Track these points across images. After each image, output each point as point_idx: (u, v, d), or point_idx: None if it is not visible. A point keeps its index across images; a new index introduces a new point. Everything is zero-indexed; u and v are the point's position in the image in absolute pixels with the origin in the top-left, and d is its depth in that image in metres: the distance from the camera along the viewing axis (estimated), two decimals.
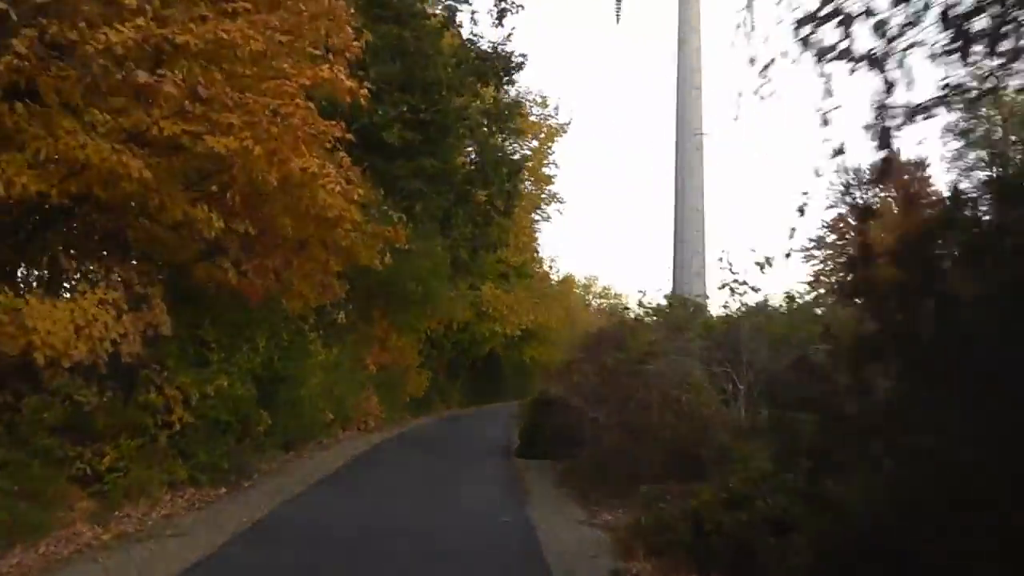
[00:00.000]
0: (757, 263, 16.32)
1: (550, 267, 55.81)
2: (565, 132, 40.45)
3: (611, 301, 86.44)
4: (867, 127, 5.43)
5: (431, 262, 23.08)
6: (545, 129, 38.89)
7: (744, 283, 16.79)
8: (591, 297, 79.95)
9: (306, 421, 18.24)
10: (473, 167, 19.89)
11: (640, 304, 20.50)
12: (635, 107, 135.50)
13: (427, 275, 23.47)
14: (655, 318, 19.99)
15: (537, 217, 43.83)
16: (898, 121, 5.27)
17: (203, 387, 12.62)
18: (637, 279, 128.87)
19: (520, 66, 25.03)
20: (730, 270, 17.03)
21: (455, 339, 37.76)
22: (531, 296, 40.86)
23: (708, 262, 26.57)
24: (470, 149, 20.21)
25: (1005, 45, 4.74)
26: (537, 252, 47.87)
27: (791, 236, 15.55)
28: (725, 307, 17.67)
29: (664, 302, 21.57)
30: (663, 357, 16.03)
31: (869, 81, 5.26)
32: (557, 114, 40.52)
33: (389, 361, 29.41)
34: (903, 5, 5.06)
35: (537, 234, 45.55)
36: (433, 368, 35.83)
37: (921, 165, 64.88)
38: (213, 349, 13.23)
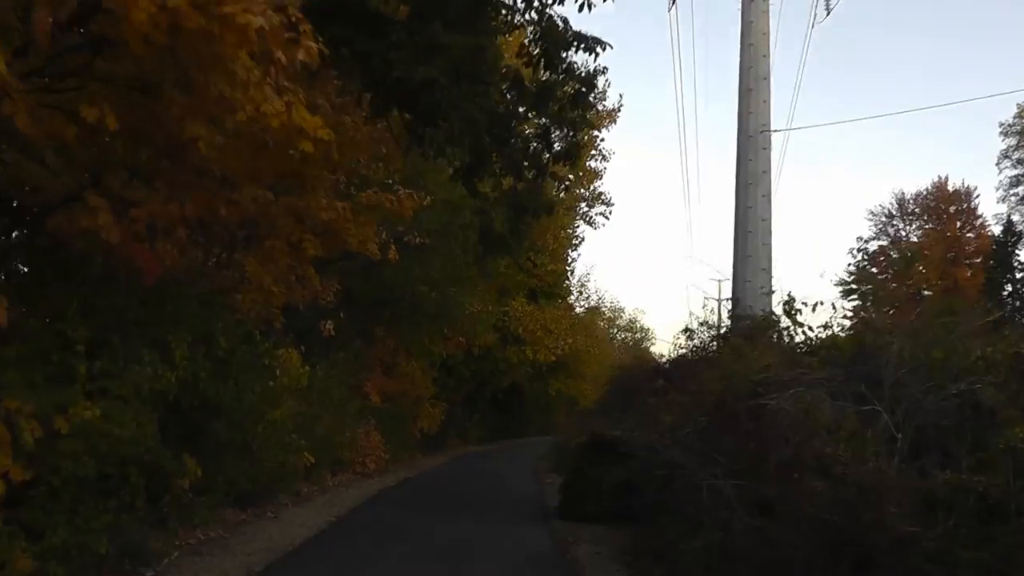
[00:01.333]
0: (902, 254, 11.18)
1: (580, 291, 49.81)
2: (615, 121, 33.31)
3: (636, 335, 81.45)
4: None
5: (449, 262, 17.74)
6: (592, 113, 31.94)
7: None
8: (616, 331, 74.53)
9: (269, 467, 12.77)
10: (524, 61, 10.45)
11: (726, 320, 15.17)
12: (680, 103, 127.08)
13: (444, 279, 18.07)
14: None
15: (578, 224, 36.53)
16: None
17: (55, 418, 7.18)
18: (665, 310, 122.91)
19: None
20: (868, 267, 11.85)
21: (475, 367, 32.13)
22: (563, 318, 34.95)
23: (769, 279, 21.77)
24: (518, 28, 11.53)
25: None
26: (570, 268, 40.78)
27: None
28: (826, 326, 12.96)
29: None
30: (786, 390, 10.57)
31: None
32: (605, 97, 32.44)
33: (397, 390, 24.00)
34: None
35: (576, 242, 38.19)
36: (449, 400, 30.33)
37: (968, 195, 59.92)
38: (80, 355, 7.78)
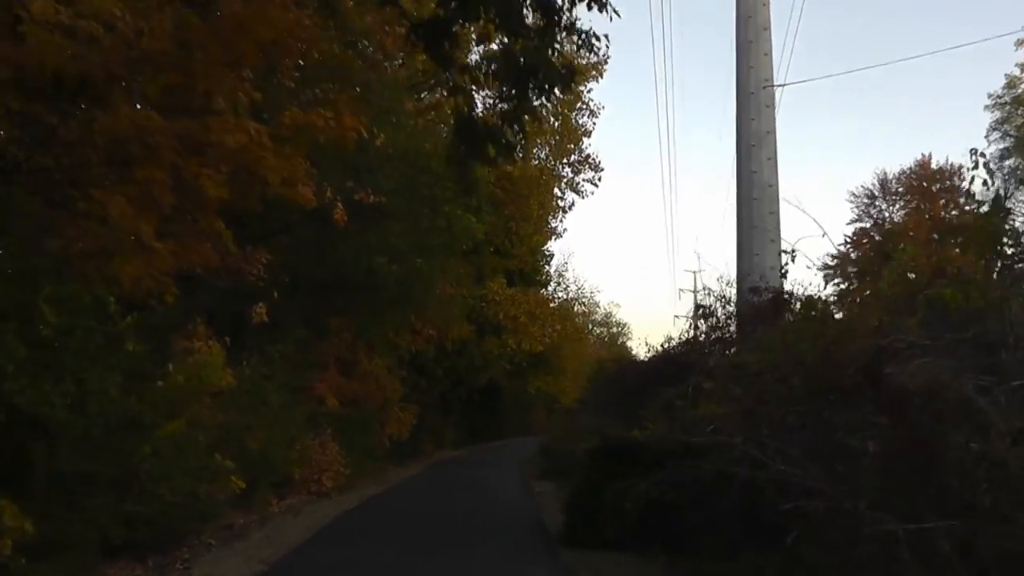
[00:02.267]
0: None
1: (559, 280, 45.90)
2: (602, 75, 27.71)
3: (612, 330, 77.79)
4: None
5: (413, 227, 14.14)
6: (575, 64, 27.16)
7: None
8: (591, 326, 70.87)
9: (172, 501, 9.10)
10: None
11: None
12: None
13: (407, 248, 14.45)
14: None
15: (564, 193, 30.36)
16: None
17: None
18: (642, 301, 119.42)
19: None
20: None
21: (448, 364, 28.42)
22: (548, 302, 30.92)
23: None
24: None
25: None
26: (548, 252, 36.15)
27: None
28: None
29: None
30: (906, 360, 7.15)
31: None
32: (592, 48, 27.06)
33: (359, 392, 20.35)
34: None
35: (561, 211, 31.42)
36: (421, 402, 26.68)
37: (953, 173, 57.02)
38: None
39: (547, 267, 38.15)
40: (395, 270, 14.31)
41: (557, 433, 25.01)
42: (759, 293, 15.61)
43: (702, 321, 16.60)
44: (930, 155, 57.73)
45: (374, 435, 21.82)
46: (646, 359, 19.01)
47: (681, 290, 57.31)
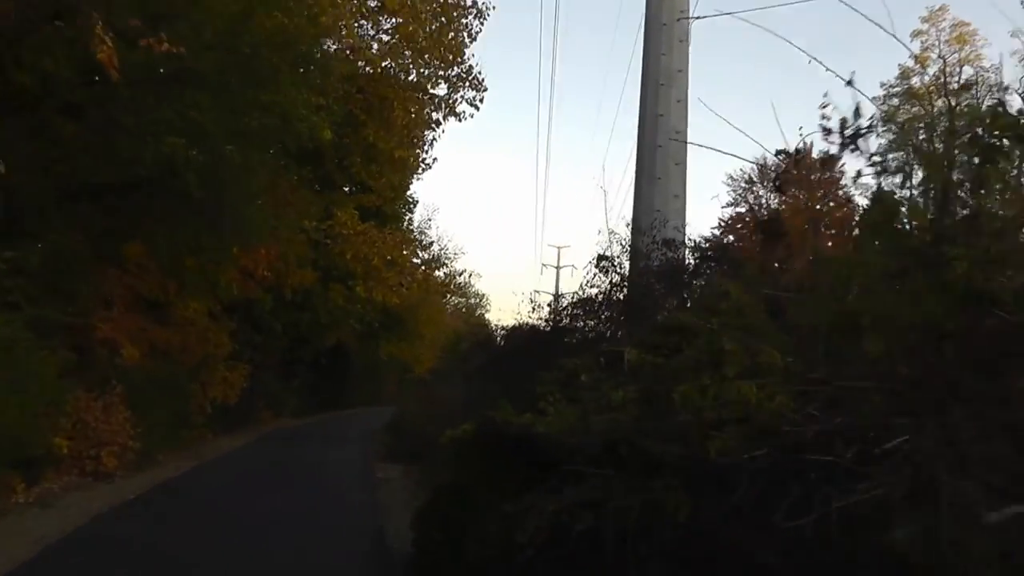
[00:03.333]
0: None
1: (421, 235, 42.22)
2: None
3: (469, 300, 74.42)
4: None
5: (227, 103, 10.07)
6: None
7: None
8: (449, 295, 67.04)
9: None
10: None
11: None
12: None
13: (216, 130, 10.27)
14: None
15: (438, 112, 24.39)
16: None
17: None
18: (503, 273, 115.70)
19: None
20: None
21: (289, 319, 24.25)
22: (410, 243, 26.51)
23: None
24: None
25: None
26: (412, 194, 31.51)
27: None
28: None
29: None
30: None
31: None
32: None
33: (173, 343, 16.26)
34: None
35: (430, 138, 25.40)
36: (256, 361, 22.58)
37: (833, 163, 56.20)
38: None
39: (410, 215, 33.92)
40: (196, 158, 9.90)
41: (409, 407, 21.51)
42: (674, 247, 13.01)
43: (603, 276, 13.52)
44: (811, 144, 56.79)
45: (191, 398, 17.67)
46: (528, 322, 15.61)
47: (545, 265, 54.37)
